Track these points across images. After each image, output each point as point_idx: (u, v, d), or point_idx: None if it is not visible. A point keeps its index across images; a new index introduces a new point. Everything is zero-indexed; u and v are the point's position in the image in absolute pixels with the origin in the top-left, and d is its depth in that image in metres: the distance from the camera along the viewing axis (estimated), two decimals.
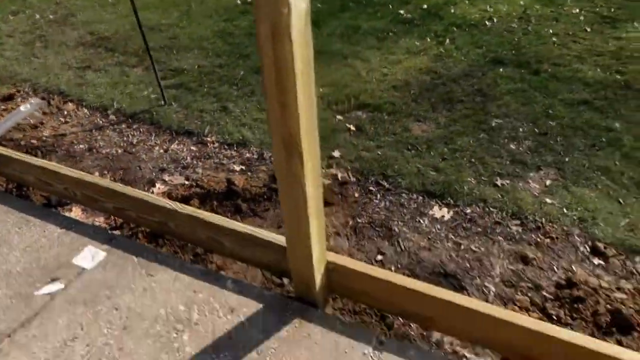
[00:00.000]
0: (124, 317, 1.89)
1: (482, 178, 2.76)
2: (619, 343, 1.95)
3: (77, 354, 1.78)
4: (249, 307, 1.87)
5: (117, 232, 2.49)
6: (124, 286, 2.02)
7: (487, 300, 2.10)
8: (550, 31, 4.37)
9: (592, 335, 1.97)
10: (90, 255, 2.19)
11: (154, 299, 1.95)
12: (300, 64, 1.15)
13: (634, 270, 2.30)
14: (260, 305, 1.87)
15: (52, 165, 2.53)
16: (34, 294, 2.03)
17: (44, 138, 3.39)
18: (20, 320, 1.92)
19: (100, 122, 3.62)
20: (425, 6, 5.07)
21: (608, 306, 2.08)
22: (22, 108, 3.04)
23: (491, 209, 2.57)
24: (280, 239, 1.87)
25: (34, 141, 3.33)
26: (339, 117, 3.40)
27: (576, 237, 2.44)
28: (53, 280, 2.08)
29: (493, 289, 2.16)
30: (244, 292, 1.94)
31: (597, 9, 4.69)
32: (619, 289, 2.23)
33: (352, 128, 3.27)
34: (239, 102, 3.68)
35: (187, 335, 1.80)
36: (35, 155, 2.93)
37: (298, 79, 1.17)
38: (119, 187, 2.29)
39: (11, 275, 2.12)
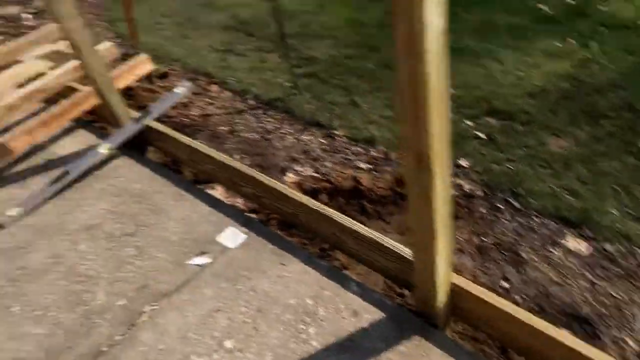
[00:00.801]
0: (260, 300, 2.11)
1: (627, 210, 2.54)
2: None
3: (219, 325, 2.04)
4: (370, 313, 1.97)
5: (253, 216, 2.73)
6: (260, 270, 2.24)
7: (623, 357, 1.97)
8: None
9: None
10: (232, 236, 2.45)
11: (287, 288, 2.14)
12: (434, 83, 1.15)
13: None
14: (382, 314, 1.96)
15: (202, 146, 2.85)
16: (187, 263, 2.34)
17: (193, 117, 3.78)
18: (176, 284, 2.24)
19: (240, 106, 3.93)
20: (569, 1, 4.61)
21: None
22: (178, 91, 3.41)
23: (635, 248, 2.37)
24: (405, 250, 1.93)
25: (185, 119, 3.74)
26: (468, 122, 3.32)
27: None
28: (202, 253, 2.38)
29: (632, 344, 2.01)
30: (366, 297, 2.05)
31: None
32: None
33: (482, 136, 3.17)
34: (367, 97, 3.75)
35: (313, 329, 1.96)
36: (186, 134, 3.29)
37: (432, 98, 1.18)
38: (258, 174, 2.51)
39: (169, 242, 2.46)
